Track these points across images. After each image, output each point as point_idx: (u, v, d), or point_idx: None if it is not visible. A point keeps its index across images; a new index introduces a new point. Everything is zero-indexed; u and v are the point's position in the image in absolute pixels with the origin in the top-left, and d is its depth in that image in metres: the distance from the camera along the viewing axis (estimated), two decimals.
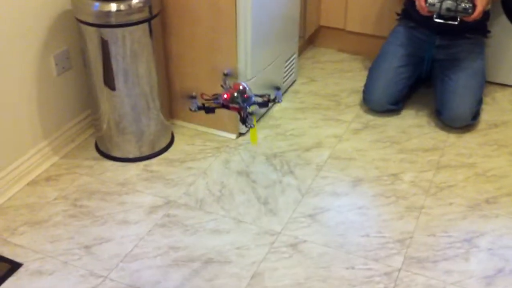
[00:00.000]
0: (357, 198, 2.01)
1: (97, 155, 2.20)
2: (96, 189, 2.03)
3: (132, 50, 1.98)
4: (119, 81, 2.02)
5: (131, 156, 2.16)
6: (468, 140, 2.32)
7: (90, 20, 1.92)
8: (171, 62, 2.25)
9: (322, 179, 2.09)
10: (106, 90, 2.05)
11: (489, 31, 2.50)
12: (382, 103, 2.44)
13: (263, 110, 1.67)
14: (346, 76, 2.79)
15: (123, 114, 2.08)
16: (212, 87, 2.20)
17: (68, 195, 1.99)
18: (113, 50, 1.96)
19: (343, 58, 2.96)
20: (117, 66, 1.99)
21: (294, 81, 2.71)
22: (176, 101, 2.33)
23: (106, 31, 1.93)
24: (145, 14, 1.95)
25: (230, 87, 1.72)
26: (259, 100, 1.71)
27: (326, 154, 2.23)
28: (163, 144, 2.22)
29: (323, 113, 2.50)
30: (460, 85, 2.32)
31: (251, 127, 1.66)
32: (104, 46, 1.96)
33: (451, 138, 2.33)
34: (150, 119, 2.13)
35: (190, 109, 1.72)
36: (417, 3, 2.23)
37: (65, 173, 2.10)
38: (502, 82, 2.69)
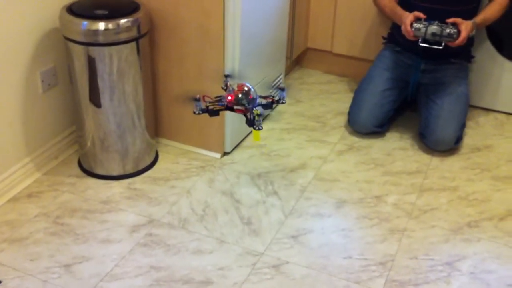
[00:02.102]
0: (341, 219, 2.01)
1: (80, 172, 2.19)
2: (78, 206, 2.01)
3: (119, 68, 1.98)
4: (105, 99, 2.02)
5: (114, 173, 2.15)
6: (451, 163, 2.34)
7: (78, 38, 1.92)
8: (158, 81, 2.25)
9: (306, 200, 2.10)
10: (91, 107, 2.04)
11: (473, 56, 2.54)
12: (367, 125, 2.46)
13: (267, 111, 1.61)
14: (332, 98, 2.81)
15: (108, 132, 2.08)
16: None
17: (49, 213, 1.98)
18: (100, 67, 1.96)
19: (330, 79, 2.99)
20: (104, 84, 2.00)
21: (270, 94, 2.72)
22: (162, 119, 2.33)
23: (93, 49, 1.93)
24: (133, 33, 1.96)
25: (232, 89, 1.66)
26: (263, 101, 1.66)
27: (311, 175, 2.23)
28: (148, 162, 2.22)
29: (309, 134, 2.51)
30: (444, 109, 2.34)
31: (259, 129, 1.60)
32: (91, 64, 1.96)
33: (434, 161, 2.35)
34: (135, 137, 2.13)
35: (194, 112, 1.66)
36: (402, 27, 2.26)
37: (47, 190, 2.09)
38: (485, 107, 2.73)
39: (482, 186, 2.21)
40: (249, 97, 1.59)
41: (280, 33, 2.52)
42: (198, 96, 1.68)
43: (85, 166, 2.19)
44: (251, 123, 1.61)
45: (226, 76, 1.72)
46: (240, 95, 1.60)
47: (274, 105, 1.67)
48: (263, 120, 1.60)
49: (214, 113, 1.66)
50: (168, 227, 1.93)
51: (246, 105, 1.60)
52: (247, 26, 2.14)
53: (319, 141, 2.46)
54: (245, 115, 1.63)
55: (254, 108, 1.59)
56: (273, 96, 1.70)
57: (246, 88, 1.61)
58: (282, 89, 1.66)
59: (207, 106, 1.67)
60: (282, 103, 1.72)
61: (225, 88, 1.67)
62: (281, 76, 2.65)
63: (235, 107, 1.62)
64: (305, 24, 2.90)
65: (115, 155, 2.12)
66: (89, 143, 2.12)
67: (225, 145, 2.31)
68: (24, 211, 1.98)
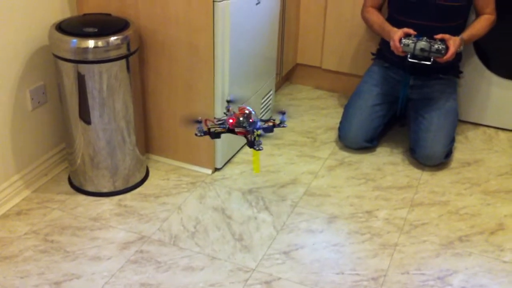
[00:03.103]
0: (332, 235, 2.01)
1: (70, 189, 2.18)
2: (68, 224, 1.99)
3: (108, 85, 1.98)
4: (94, 116, 2.02)
5: (104, 190, 2.14)
6: (441, 178, 2.35)
7: (68, 56, 1.92)
8: (148, 97, 2.25)
9: (297, 215, 2.09)
10: (81, 124, 2.04)
11: (461, 72, 2.56)
12: (358, 140, 2.47)
13: (268, 134, 1.65)
14: (322, 113, 2.82)
15: (97, 149, 2.07)
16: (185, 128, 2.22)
17: (39, 230, 1.96)
18: (90, 85, 1.96)
19: (320, 95, 3.00)
20: (93, 101, 1.99)
21: (270, 117, 2.73)
22: (152, 136, 2.33)
23: (83, 67, 1.93)
24: (123, 51, 1.96)
25: (233, 113, 1.70)
26: (264, 125, 1.70)
27: (302, 191, 2.23)
28: (138, 179, 2.21)
29: (299, 150, 2.51)
30: (433, 124, 2.36)
31: (260, 149, 1.64)
32: (81, 81, 1.96)
33: (425, 176, 2.36)
34: (125, 153, 2.12)
35: (196, 134, 1.69)
36: (391, 43, 2.28)
37: (36, 208, 2.07)
38: (474, 121, 2.75)
39: (472, 201, 2.21)
40: (250, 120, 1.64)
41: (269, 49, 2.54)
42: (200, 118, 1.71)
43: (75, 183, 2.18)
44: (251, 144, 1.65)
45: (228, 101, 1.76)
46: (241, 118, 1.65)
47: (275, 129, 1.71)
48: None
49: (215, 135, 1.70)
50: (159, 244, 1.92)
51: (247, 127, 1.64)
52: (237, 43, 2.15)
53: (310, 157, 2.47)
54: (246, 137, 1.67)
55: (255, 130, 1.63)
56: (274, 120, 1.73)
57: (247, 112, 1.65)
58: (283, 113, 1.68)
59: (209, 129, 1.71)
60: (283, 126, 1.74)
61: (226, 112, 1.70)
62: (272, 92, 2.66)
63: (236, 130, 1.66)
64: (294, 40, 2.92)
65: (105, 172, 2.11)
66: (79, 160, 2.11)
67: (216, 161, 2.30)
68: (14, 229, 1.96)
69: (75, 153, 2.10)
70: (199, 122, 1.73)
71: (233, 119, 1.66)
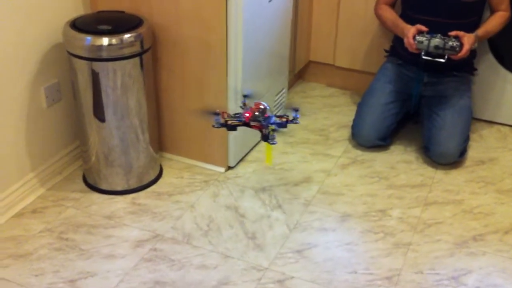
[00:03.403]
0: (345, 234, 2.00)
1: (84, 187, 2.19)
2: (82, 222, 2.01)
3: (122, 83, 1.99)
4: (108, 113, 2.02)
5: (118, 188, 2.15)
6: (455, 176, 2.33)
7: (82, 53, 1.93)
8: (162, 95, 2.26)
9: (310, 214, 2.09)
10: (95, 122, 2.05)
11: (475, 69, 2.54)
12: (371, 138, 2.46)
13: (282, 130, 1.72)
14: (335, 111, 2.81)
15: (112, 147, 2.08)
16: (201, 122, 2.22)
17: (53, 228, 1.97)
18: (104, 82, 1.97)
19: (332, 93, 2.99)
20: (107, 98, 2.00)
21: (285, 114, 2.73)
22: (165, 134, 2.34)
23: (97, 65, 1.94)
24: (136, 48, 1.97)
25: (249, 107, 1.76)
26: (278, 120, 1.77)
27: (315, 189, 2.23)
28: (152, 177, 2.22)
29: (312, 148, 2.51)
30: (447, 122, 2.34)
31: (273, 143, 1.70)
32: (95, 79, 1.97)
33: (439, 174, 2.34)
34: (139, 151, 2.13)
35: (213, 126, 1.75)
36: (405, 40, 2.26)
37: (51, 206, 2.09)
38: (488, 119, 2.73)
39: (486, 200, 2.20)
40: (265, 115, 1.70)
41: (282, 47, 2.53)
42: (217, 110, 1.78)
43: (89, 181, 2.19)
44: (265, 138, 1.71)
45: (245, 96, 1.80)
46: (257, 113, 1.71)
47: (288, 124, 1.77)
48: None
49: (232, 128, 1.75)
50: (172, 242, 1.93)
51: (262, 122, 1.71)
52: (249, 40, 2.15)
53: (323, 155, 2.46)
54: (261, 131, 1.73)
55: (269, 125, 1.70)
56: (287, 116, 1.78)
57: (262, 107, 1.72)
58: (296, 110, 1.75)
59: (226, 121, 1.76)
60: (296, 123, 1.79)
61: (243, 106, 1.76)
62: (284, 90, 2.66)
63: (251, 123, 1.72)
64: (307, 38, 2.91)
65: (119, 170, 2.12)
66: (93, 158, 2.12)
67: (229, 159, 2.30)
68: (29, 227, 1.98)
69: (89, 151, 2.12)
70: (217, 114, 1.78)
71: (249, 113, 1.72)
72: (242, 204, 2.13)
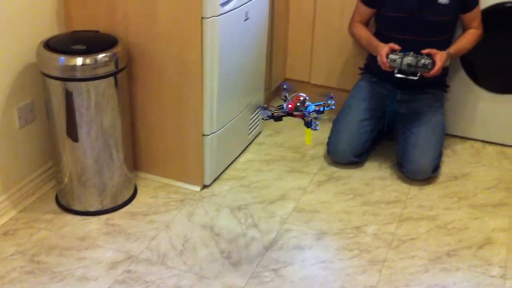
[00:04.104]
0: (321, 251, 2.01)
1: (57, 208, 2.16)
2: (55, 244, 1.98)
3: (96, 102, 1.98)
4: (82, 133, 2.01)
5: (92, 209, 2.13)
6: (430, 192, 2.36)
7: (55, 74, 1.92)
8: (137, 114, 2.25)
9: (286, 232, 2.09)
10: (68, 141, 2.03)
11: (448, 86, 2.58)
12: (346, 155, 2.48)
13: (320, 115, 1.93)
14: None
15: (85, 166, 2.06)
16: (178, 139, 2.22)
17: (25, 251, 1.94)
18: (77, 102, 1.96)
19: None
20: (81, 118, 1.99)
21: (260, 132, 2.74)
22: (140, 153, 2.32)
23: (71, 84, 1.93)
24: (111, 68, 1.96)
25: (290, 98, 1.94)
26: (316, 108, 1.96)
27: (291, 207, 2.23)
28: (126, 196, 2.20)
29: (288, 165, 2.51)
30: (421, 139, 2.37)
31: (316, 129, 1.89)
32: (68, 98, 1.95)
33: (413, 190, 2.37)
34: (113, 171, 2.12)
35: (263, 119, 1.96)
36: (378, 58, 2.29)
37: (23, 228, 2.05)
38: (461, 135, 2.76)
39: (459, 215, 2.22)
40: (305, 105, 1.90)
41: (258, 64, 2.54)
42: (265, 105, 2.03)
43: (62, 202, 2.17)
44: (308, 124, 1.91)
45: (284, 89, 1.97)
46: (298, 104, 1.90)
47: (326, 109, 1.97)
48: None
49: (278, 118, 1.94)
50: (147, 263, 1.91)
51: (303, 111, 1.90)
52: (226, 58, 2.16)
53: (299, 172, 2.47)
54: (303, 119, 1.92)
55: (311, 112, 1.91)
56: (324, 103, 1.96)
57: (302, 98, 1.90)
58: (331, 97, 1.94)
59: (273, 113, 1.94)
60: (332, 108, 1.96)
61: (284, 98, 1.94)
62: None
63: (294, 113, 1.92)
64: (283, 55, 2.93)
65: (93, 190, 2.10)
66: (66, 179, 2.10)
67: (204, 177, 2.30)
68: (0, 249, 1.94)
69: (62, 171, 2.09)
70: (265, 108, 1.98)
71: (291, 104, 1.90)
72: (218, 223, 2.12)
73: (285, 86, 1.97)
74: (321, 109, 1.95)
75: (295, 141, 2.71)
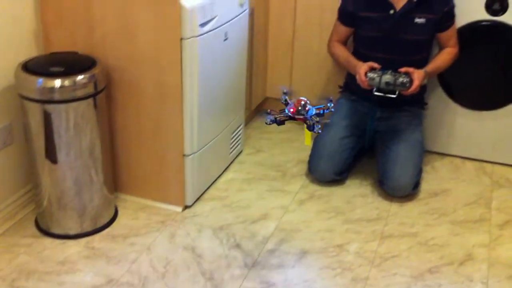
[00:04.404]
0: (304, 271, 2.00)
1: (36, 232, 2.13)
2: (34, 268, 1.94)
3: (75, 124, 1.96)
4: (61, 155, 1.99)
5: (72, 232, 2.10)
6: (410, 209, 2.37)
7: (34, 96, 1.90)
8: (117, 135, 2.24)
9: (269, 251, 2.08)
10: (47, 163, 2.01)
11: (426, 103, 2.62)
12: (327, 173, 2.48)
13: (321, 118, 1.99)
14: (292, 146, 2.84)
15: (64, 189, 2.04)
16: (158, 159, 2.21)
17: (5, 276, 1.90)
18: (56, 124, 1.94)
19: (290, 128, 2.96)
20: (60, 140, 1.97)
21: (241, 151, 2.74)
22: (120, 174, 2.31)
23: (49, 106, 1.92)
24: (89, 90, 1.95)
25: (292, 103, 2.00)
26: (317, 111, 2.01)
27: (273, 226, 2.23)
28: (106, 219, 2.18)
29: (270, 184, 2.51)
30: (400, 156, 2.39)
31: (319, 132, 1.96)
32: (47, 120, 1.94)
33: (394, 207, 2.38)
34: (93, 193, 2.10)
35: (266, 123, 2.00)
36: (357, 77, 2.32)
37: (2, 252, 2.01)
38: (440, 151, 2.79)
39: (441, 231, 2.24)
40: (306, 109, 1.96)
41: (238, 83, 2.55)
42: (269, 110, 2.02)
43: (42, 225, 2.14)
44: (311, 128, 1.96)
45: (284, 93, 2.01)
46: (299, 108, 1.95)
47: (325, 112, 2.02)
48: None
49: (281, 122, 2.00)
50: (128, 286, 1.88)
51: (305, 114, 1.96)
52: (205, 79, 2.16)
53: (280, 191, 2.47)
54: (305, 122, 1.98)
55: (312, 116, 1.97)
56: (324, 106, 2.02)
57: (303, 102, 1.96)
58: (330, 100, 1.99)
59: (276, 118, 1.99)
60: (331, 111, 2.01)
61: (285, 102, 2.00)
62: (241, 126, 2.67)
63: (296, 117, 1.97)
64: (263, 74, 2.95)
65: (73, 213, 2.08)
66: (45, 202, 2.07)
67: (186, 198, 2.29)
68: None
69: (41, 194, 2.07)
70: (268, 113, 2.02)
71: (293, 108, 1.96)
72: (200, 244, 2.11)
73: (285, 90, 2.03)
74: (322, 112, 2.02)
75: (276, 159, 2.71)
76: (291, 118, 1.99)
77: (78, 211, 2.08)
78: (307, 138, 2.04)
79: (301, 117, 1.96)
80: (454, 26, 2.43)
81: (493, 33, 2.50)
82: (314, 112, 1.98)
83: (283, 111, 1.99)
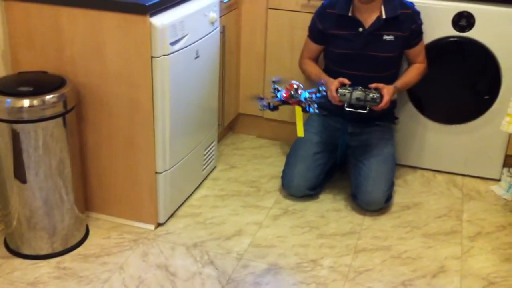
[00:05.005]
0: (279, 286, 1.99)
1: (6, 253, 2.09)
2: None
3: (44, 143, 1.94)
4: (30, 174, 1.96)
5: (42, 253, 2.06)
6: (383, 222, 2.39)
7: (2, 116, 1.88)
8: (88, 154, 2.22)
9: (243, 268, 2.07)
10: (16, 183, 1.98)
11: (397, 118, 2.65)
12: (301, 188, 2.49)
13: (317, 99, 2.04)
14: (265, 162, 2.84)
15: (34, 209, 2.01)
16: (130, 177, 2.20)
17: None
18: (25, 143, 1.92)
19: (262, 144, 3.03)
20: (29, 159, 1.95)
21: (214, 168, 2.73)
22: (92, 193, 2.28)
23: (18, 126, 1.89)
24: (59, 109, 1.94)
25: (285, 87, 2.02)
26: (309, 95, 2.03)
27: (247, 242, 2.22)
28: (77, 238, 2.15)
29: (243, 200, 2.51)
30: (372, 170, 2.41)
31: (316, 112, 1.98)
32: (15, 140, 1.91)
33: (367, 221, 2.39)
34: (64, 213, 2.07)
35: (259, 109, 2.03)
36: (328, 93, 2.34)
37: None
38: (412, 165, 2.83)
39: (413, 244, 2.26)
40: (298, 92, 1.98)
41: (210, 100, 2.55)
42: (261, 95, 2.09)
43: (11, 246, 2.10)
44: (306, 109, 1.99)
45: (274, 81, 2.02)
46: (292, 91, 1.98)
47: (319, 95, 2.04)
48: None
49: (274, 108, 2.02)
50: None
51: (298, 97, 1.98)
52: (177, 96, 2.16)
53: (254, 207, 2.47)
54: (300, 105, 1.99)
55: (307, 98, 1.99)
56: (316, 90, 2.04)
57: (295, 86, 1.99)
58: (322, 83, 2.03)
59: (269, 103, 2.01)
60: (324, 94, 2.04)
61: (274, 91, 2.00)
62: (214, 142, 2.67)
63: (290, 101, 1.98)
64: (235, 91, 2.96)
65: (43, 233, 2.04)
66: (14, 222, 2.03)
67: (158, 215, 2.27)
68: None
69: (10, 214, 2.03)
70: (261, 98, 2.04)
71: (286, 93, 1.98)
72: (173, 262, 2.09)
73: (274, 79, 2.05)
74: (314, 95, 2.04)
75: (250, 175, 2.71)
76: (284, 102, 2.01)
77: (49, 231, 2.05)
78: (299, 129, 2.06)
79: (295, 100, 1.99)
80: (422, 42, 2.48)
81: (460, 49, 2.56)
82: (307, 95, 2.00)
83: (275, 97, 2.02)
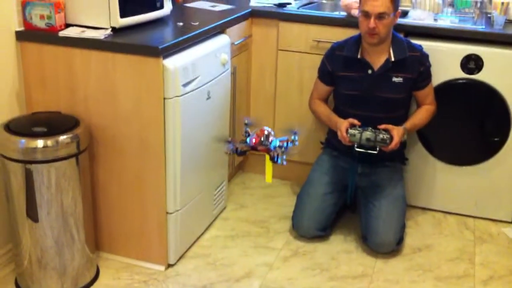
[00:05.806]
0: None
1: None
2: None
3: (57, 183, 1.96)
4: (42, 213, 1.97)
5: None
6: (395, 265, 2.36)
7: (16, 156, 1.90)
8: (99, 193, 2.23)
9: None
10: (28, 222, 1.98)
11: (407, 159, 2.65)
12: (311, 229, 2.48)
13: (290, 149, 1.97)
14: (275, 202, 2.83)
15: (45, 248, 2.01)
16: (140, 217, 2.20)
17: None
18: (38, 182, 1.94)
19: (272, 183, 3.01)
20: (41, 198, 1.96)
21: (224, 208, 2.73)
22: (102, 232, 2.28)
23: (31, 166, 1.91)
24: (72, 149, 1.96)
25: (255, 133, 1.95)
26: (280, 144, 1.97)
27: (256, 284, 2.20)
28: (88, 279, 2.14)
29: (253, 241, 2.50)
30: (383, 212, 2.40)
31: (283, 164, 1.90)
32: (29, 179, 1.93)
33: (379, 263, 2.37)
34: (74, 252, 2.06)
35: (226, 153, 1.99)
36: (338, 133, 2.35)
37: None
38: (423, 206, 2.81)
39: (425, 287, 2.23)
40: (269, 140, 1.91)
41: (221, 141, 2.56)
42: (230, 139, 2.01)
43: (22, 286, 2.09)
44: (273, 159, 1.91)
45: (246, 124, 1.97)
46: (262, 138, 1.91)
47: (290, 144, 1.97)
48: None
49: (242, 153, 1.97)
50: None
51: (268, 145, 1.91)
52: (188, 137, 2.18)
53: (264, 248, 2.45)
54: (268, 153, 1.92)
55: (276, 147, 1.90)
56: (288, 139, 1.98)
57: (266, 132, 1.92)
58: (295, 133, 1.93)
59: (237, 148, 1.96)
60: (295, 144, 1.96)
61: (246, 134, 1.94)
62: (224, 182, 2.67)
63: (258, 148, 1.92)
64: None
65: (53, 273, 2.04)
66: (25, 261, 2.03)
67: (168, 256, 2.26)
68: None
69: (21, 253, 2.03)
70: (229, 142, 2.01)
71: (256, 138, 1.92)
72: None
73: (246, 121, 1.98)
74: (285, 144, 1.94)
75: (260, 215, 2.70)
76: (253, 148, 1.92)
77: (59, 271, 2.04)
78: (268, 175, 1.98)
79: (264, 148, 1.90)
80: (431, 84, 2.50)
81: (469, 91, 2.58)
82: (277, 144, 1.92)
83: (245, 141, 1.94)
